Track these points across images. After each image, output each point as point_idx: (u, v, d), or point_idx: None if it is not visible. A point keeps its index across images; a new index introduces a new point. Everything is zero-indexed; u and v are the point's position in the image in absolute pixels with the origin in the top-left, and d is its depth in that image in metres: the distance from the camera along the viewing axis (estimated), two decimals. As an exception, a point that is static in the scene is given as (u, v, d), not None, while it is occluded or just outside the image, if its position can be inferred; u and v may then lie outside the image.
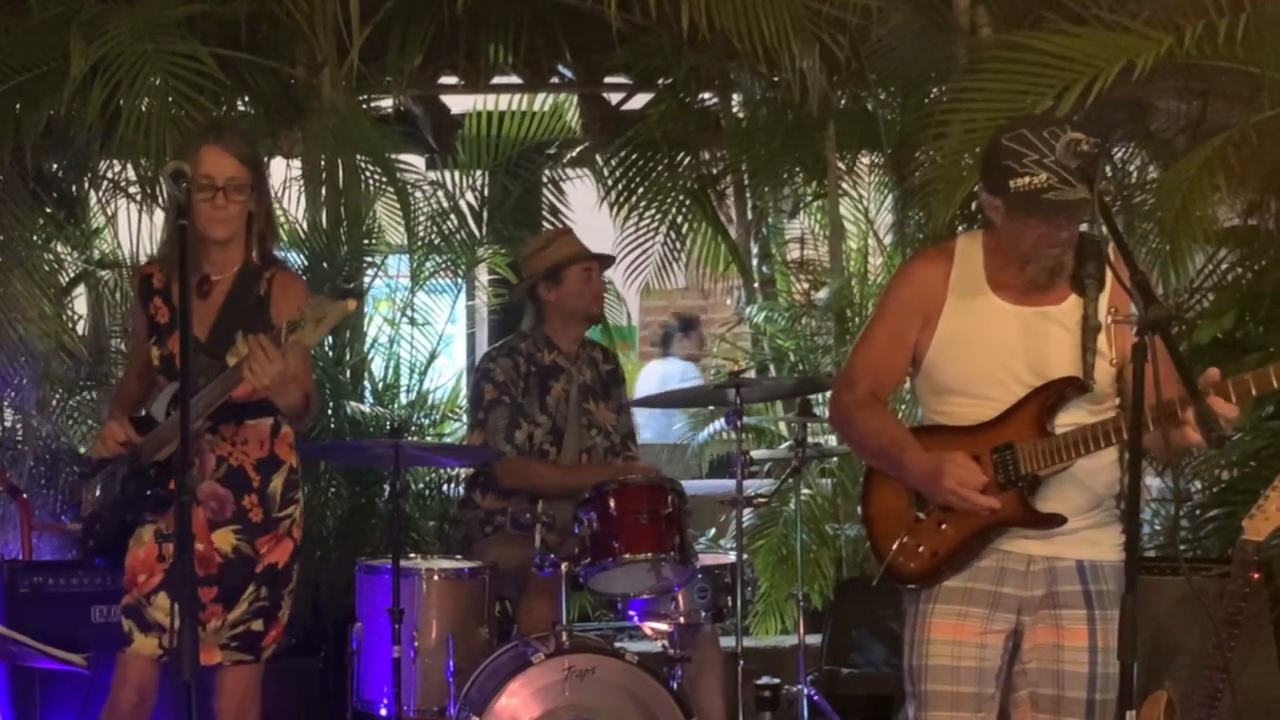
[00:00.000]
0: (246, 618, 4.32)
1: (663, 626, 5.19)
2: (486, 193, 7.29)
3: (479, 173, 7.33)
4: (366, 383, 6.86)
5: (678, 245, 7.76)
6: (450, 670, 5.07)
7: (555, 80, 7.77)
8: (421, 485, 6.74)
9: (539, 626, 5.11)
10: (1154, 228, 5.64)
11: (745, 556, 5.45)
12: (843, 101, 7.07)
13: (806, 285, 7.82)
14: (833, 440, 6.57)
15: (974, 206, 5.67)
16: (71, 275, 6.92)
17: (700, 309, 10.66)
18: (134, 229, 6.83)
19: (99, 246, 6.98)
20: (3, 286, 6.32)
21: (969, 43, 6.33)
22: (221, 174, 4.21)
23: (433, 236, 7.08)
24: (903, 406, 5.89)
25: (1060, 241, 3.53)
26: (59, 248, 6.88)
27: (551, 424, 5.50)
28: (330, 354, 6.65)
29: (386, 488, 5.48)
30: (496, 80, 7.52)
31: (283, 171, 6.88)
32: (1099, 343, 3.55)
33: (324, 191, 6.79)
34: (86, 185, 6.90)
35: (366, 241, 6.83)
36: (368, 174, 6.86)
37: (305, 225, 6.80)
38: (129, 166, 6.78)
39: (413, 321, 7.04)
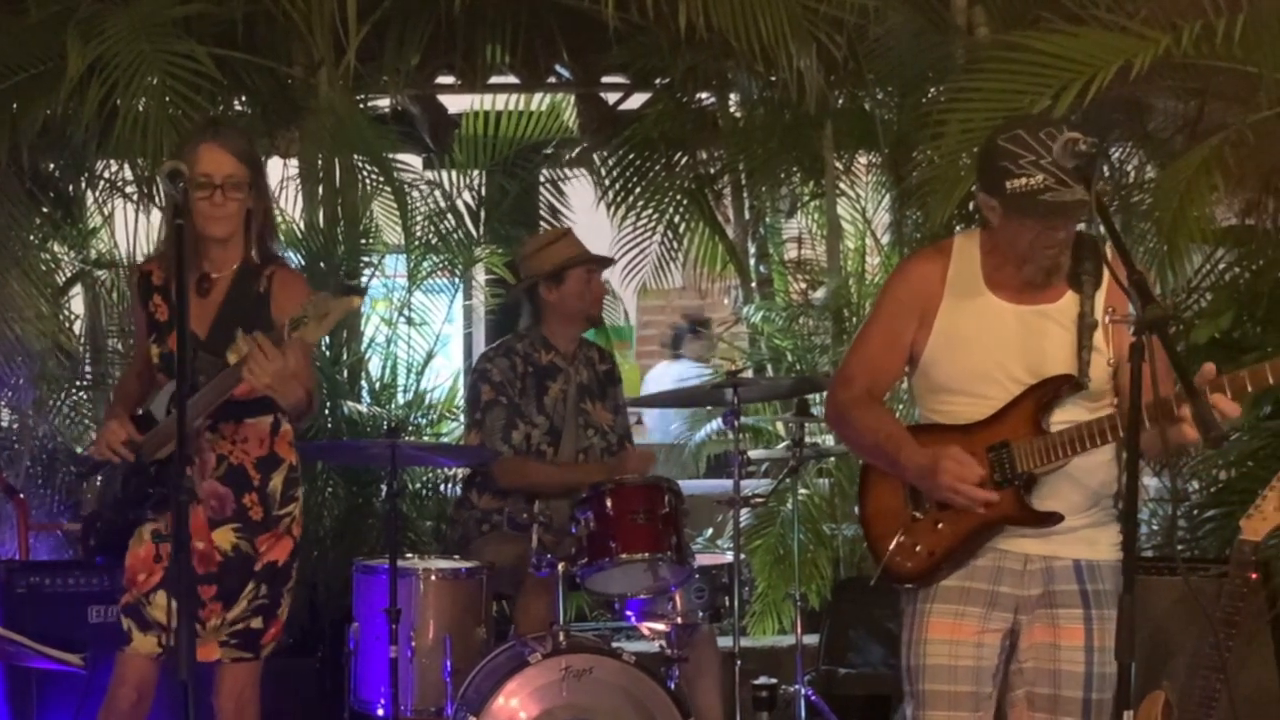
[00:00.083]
0: (246, 615, 4.31)
1: (660, 626, 5.18)
2: (484, 192, 7.28)
3: (476, 172, 7.33)
4: (363, 382, 6.85)
5: (675, 245, 7.76)
6: (447, 670, 5.06)
7: (552, 80, 7.77)
8: (418, 485, 6.74)
9: (536, 626, 5.10)
10: (1151, 227, 5.64)
11: (742, 556, 5.45)
12: (840, 101, 7.07)
13: (804, 285, 7.81)
14: (830, 440, 6.56)
15: (971, 206, 5.66)
16: (68, 275, 6.92)
17: (697, 309, 10.65)
18: (131, 229, 6.83)
19: (96, 246, 6.98)
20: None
21: (966, 42, 6.33)
22: (219, 171, 4.21)
23: (430, 236, 7.08)
24: (900, 406, 5.89)
25: (1057, 242, 3.52)
26: (56, 247, 6.88)
27: (549, 424, 5.50)
28: (328, 354, 6.64)
29: (383, 488, 5.46)
30: (494, 80, 7.51)
31: (280, 171, 6.88)
32: (1096, 339, 3.54)
33: (321, 191, 6.80)
34: (83, 185, 6.90)
35: (363, 241, 6.82)
36: (365, 174, 6.85)
37: (302, 225, 6.80)
38: (126, 166, 6.78)
39: (410, 321, 7.04)
